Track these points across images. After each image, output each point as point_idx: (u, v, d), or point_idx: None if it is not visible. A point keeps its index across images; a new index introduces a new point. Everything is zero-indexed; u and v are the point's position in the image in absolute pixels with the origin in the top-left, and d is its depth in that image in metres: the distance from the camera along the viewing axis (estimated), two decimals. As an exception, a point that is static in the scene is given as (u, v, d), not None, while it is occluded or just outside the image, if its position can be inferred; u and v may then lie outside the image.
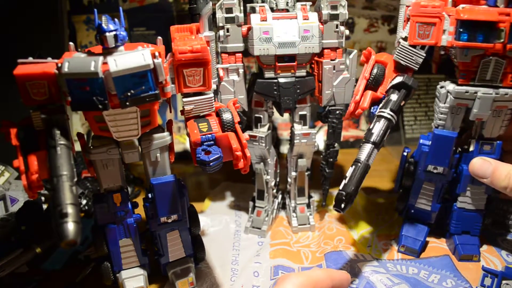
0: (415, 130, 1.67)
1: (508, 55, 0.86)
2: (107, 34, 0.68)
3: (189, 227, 0.89)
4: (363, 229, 1.13)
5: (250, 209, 1.16)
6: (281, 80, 0.99)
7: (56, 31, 1.47)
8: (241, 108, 1.03)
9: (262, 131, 1.06)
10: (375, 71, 0.92)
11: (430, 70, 1.06)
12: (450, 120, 0.94)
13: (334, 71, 1.02)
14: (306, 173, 1.12)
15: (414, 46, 0.91)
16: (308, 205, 1.15)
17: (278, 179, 1.18)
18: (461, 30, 0.84)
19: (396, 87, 0.90)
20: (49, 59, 0.70)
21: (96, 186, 1.23)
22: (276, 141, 1.33)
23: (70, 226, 0.56)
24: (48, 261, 1.00)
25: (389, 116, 0.86)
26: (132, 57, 0.68)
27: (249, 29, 0.96)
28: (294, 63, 0.98)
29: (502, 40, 0.83)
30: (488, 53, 0.86)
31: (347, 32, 1.02)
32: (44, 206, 1.07)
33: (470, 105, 0.91)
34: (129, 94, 0.69)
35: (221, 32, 0.97)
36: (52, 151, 0.65)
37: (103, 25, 0.68)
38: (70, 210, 0.58)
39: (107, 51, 0.69)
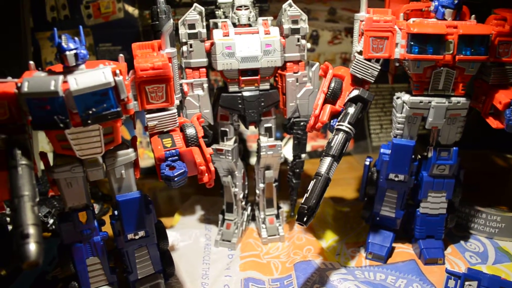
0: (381, 138, 1.71)
1: (457, 65, 0.89)
2: (67, 53, 0.68)
3: (157, 242, 0.89)
4: (332, 238, 1.14)
5: (219, 222, 1.16)
6: (245, 93, 1.01)
7: (20, 48, 1.45)
8: (207, 122, 1.03)
9: (228, 144, 1.06)
10: (332, 85, 0.94)
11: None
12: (407, 129, 0.97)
13: (297, 83, 1.04)
14: (274, 184, 1.13)
15: (369, 60, 0.93)
16: (277, 216, 1.16)
17: (247, 191, 1.19)
18: (412, 43, 0.87)
19: (353, 100, 0.92)
20: (9, 78, 0.70)
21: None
22: (244, 153, 1.34)
23: (32, 247, 0.56)
24: (14, 283, 0.98)
25: (347, 129, 0.88)
26: (93, 76, 0.68)
27: (212, 44, 0.97)
28: (258, 77, 1.00)
29: (451, 52, 0.86)
30: (439, 64, 0.89)
31: (308, 45, 1.04)
32: (10, 227, 1.04)
33: (425, 114, 0.94)
34: (90, 112, 0.69)
35: (184, 48, 0.98)
36: (13, 171, 0.64)
37: (63, 44, 0.68)
38: (31, 230, 0.57)
39: (68, 70, 0.70)
